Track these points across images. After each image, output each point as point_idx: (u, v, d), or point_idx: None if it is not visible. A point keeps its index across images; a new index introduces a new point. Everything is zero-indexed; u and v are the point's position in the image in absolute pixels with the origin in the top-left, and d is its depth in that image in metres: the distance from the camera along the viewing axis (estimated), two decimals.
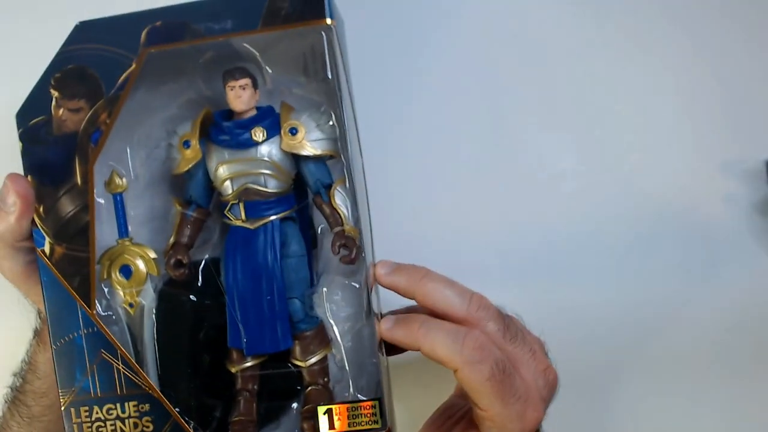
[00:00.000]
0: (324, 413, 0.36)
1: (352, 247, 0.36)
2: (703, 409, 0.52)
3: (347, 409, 0.36)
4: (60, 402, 0.37)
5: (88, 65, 0.36)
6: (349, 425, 0.36)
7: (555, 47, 0.53)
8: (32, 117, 0.37)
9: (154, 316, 0.38)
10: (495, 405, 0.34)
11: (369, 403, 0.36)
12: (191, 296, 0.38)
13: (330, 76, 0.35)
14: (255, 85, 0.37)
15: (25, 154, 0.37)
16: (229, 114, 0.37)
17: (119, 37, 0.36)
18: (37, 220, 0.37)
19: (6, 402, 0.43)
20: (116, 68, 0.36)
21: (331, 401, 0.36)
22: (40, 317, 0.43)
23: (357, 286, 0.37)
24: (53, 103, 0.37)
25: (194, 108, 0.38)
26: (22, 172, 0.37)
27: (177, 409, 0.37)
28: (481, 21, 0.53)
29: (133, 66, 0.36)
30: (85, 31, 0.36)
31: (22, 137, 0.37)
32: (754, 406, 0.52)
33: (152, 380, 0.37)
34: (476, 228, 0.53)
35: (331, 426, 0.36)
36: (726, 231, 0.53)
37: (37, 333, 0.43)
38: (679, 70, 0.53)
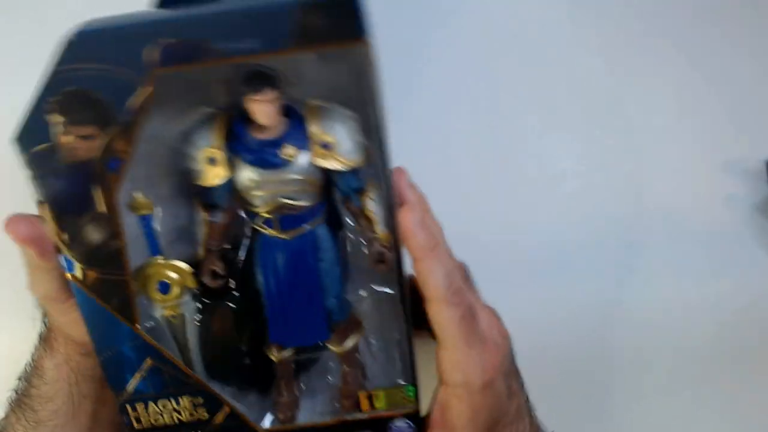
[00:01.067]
0: (363, 396, 0.38)
1: (388, 260, 0.36)
2: (703, 409, 0.52)
3: (384, 391, 0.38)
4: (115, 401, 0.38)
5: (91, 88, 0.33)
6: (387, 406, 0.38)
7: (555, 47, 0.53)
8: (34, 143, 0.34)
9: (196, 322, 0.39)
10: (460, 346, 0.36)
11: (404, 386, 0.38)
12: (229, 303, 0.40)
13: (366, 99, 0.33)
14: (278, 87, 0.33)
15: (39, 184, 0.35)
16: (250, 123, 0.35)
17: (122, 54, 0.32)
18: (62, 246, 0.35)
19: (11, 405, 0.43)
20: (123, 91, 0.33)
21: (367, 384, 0.39)
22: (45, 322, 0.43)
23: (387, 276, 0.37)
24: (58, 129, 0.34)
25: (209, 116, 0.36)
26: (33, 199, 0.36)
27: (228, 398, 0.38)
28: (481, 21, 0.53)
29: (146, 88, 0.33)
30: (81, 48, 0.33)
31: (29, 166, 0.34)
32: (755, 406, 0.53)
33: (202, 378, 0.38)
34: (476, 228, 0.53)
35: (371, 407, 0.38)
36: (726, 231, 0.53)
37: (42, 338, 0.43)
38: (679, 70, 0.53)
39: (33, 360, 0.42)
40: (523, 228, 0.53)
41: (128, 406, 0.38)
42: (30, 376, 0.42)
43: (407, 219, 0.35)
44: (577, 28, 0.53)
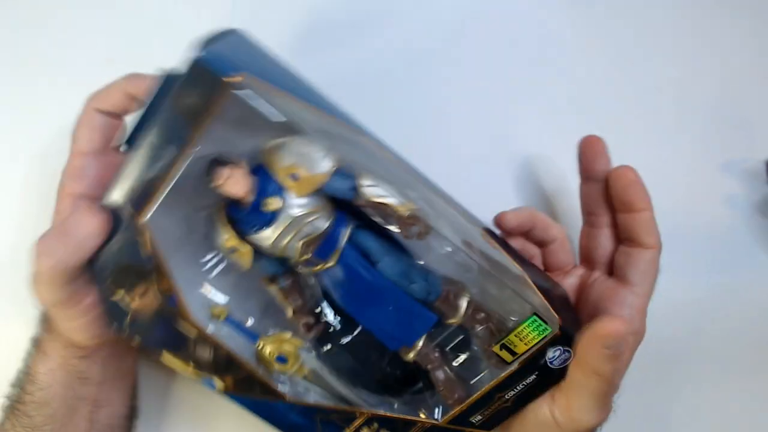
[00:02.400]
0: (500, 348, 0.38)
1: (417, 224, 0.37)
2: (703, 409, 0.52)
3: (516, 335, 0.38)
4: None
5: (121, 259, 0.37)
6: (526, 345, 0.37)
7: (555, 47, 0.53)
8: (121, 321, 0.39)
9: (327, 370, 0.41)
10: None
11: (528, 322, 0.37)
12: (341, 341, 0.41)
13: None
14: (237, 163, 0.36)
15: (144, 348, 0.40)
16: (236, 202, 0.37)
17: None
18: (197, 374, 0.40)
19: (5, 413, 0.42)
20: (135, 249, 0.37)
21: (499, 333, 0.38)
22: (41, 324, 0.42)
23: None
24: (125, 300, 0.38)
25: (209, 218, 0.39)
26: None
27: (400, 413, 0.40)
28: (481, 21, 0.53)
29: (147, 236, 0.37)
30: None
31: (134, 341, 0.39)
32: (755, 406, 0.53)
33: (366, 407, 0.40)
34: None
35: (513, 354, 0.38)
36: (726, 231, 0.53)
37: (36, 342, 0.42)
38: (679, 70, 0.53)
39: (25, 366, 0.42)
40: None
41: None
42: (23, 383, 0.41)
43: (632, 173, 0.42)
44: (577, 28, 0.53)
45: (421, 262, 0.39)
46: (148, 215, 0.36)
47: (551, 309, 0.37)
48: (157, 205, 0.36)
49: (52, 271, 0.35)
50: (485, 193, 0.53)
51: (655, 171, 0.53)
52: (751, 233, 0.53)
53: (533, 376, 0.38)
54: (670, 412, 0.52)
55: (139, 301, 0.38)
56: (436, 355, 0.40)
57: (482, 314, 0.39)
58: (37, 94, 0.50)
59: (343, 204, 0.38)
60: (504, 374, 0.38)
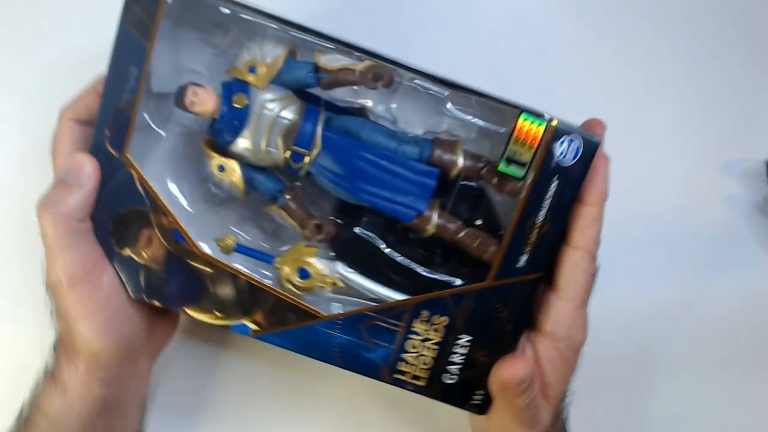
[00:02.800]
0: (507, 165, 0.37)
1: (378, 72, 0.37)
2: (703, 409, 0.52)
3: (515, 142, 0.36)
4: None
5: (120, 208, 0.38)
6: (530, 148, 0.36)
7: (554, 47, 0.54)
8: (136, 281, 0.38)
9: (353, 271, 0.40)
10: (579, 303, 0.38)
11: (521, 121, 0.36)
12: (354, 230, 0.40)
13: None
14: (199, 84, 0.38)
15: (166, 308, 0.39)
16: (214, 132, 0.38)
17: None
18: (225, 322, 0.39)
19: None
20: (134, 192, 0.37)
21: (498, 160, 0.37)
22: (56, 351, 0.39)
23: (420, 89, 0.38)
24: (134, 254, 0.38)
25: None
26: None
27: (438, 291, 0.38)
28: (481, 20, 0.54)
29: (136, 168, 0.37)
30: None
31: (154, 300, 0.39)
32: (755, 406, 0.52)
33: (403, 297, 0.38)
34: None
35: (521, 165, 0.36)
36: (726, 231, 0.52)
37: (50, 374, 0.39)
38: (679, 70, 0.54)
39: (34, 399, 0.39)
40: None
41: (398, 375, 0.39)
42: (32, 417, 0.39)
43: (603, 163, 0.37)
44: (576, 28, 0.54)
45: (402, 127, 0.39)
46: (130, 145, 0.37)
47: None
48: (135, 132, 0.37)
49: (62, 220, 0.36)
50: None
51: (655, 171, 0.53)
52: (751, 233, 0.52)
53: (554, 183, 0.36)
54: (671, 412, 0.52)
55: (147, 253, 0.38)
56: (457, 223, 0.38)
57: (483, 157, 0.38)
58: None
59: (311, 99, 0.39)
60: (524, 194, 0.36)
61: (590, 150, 0.36)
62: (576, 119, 0.52)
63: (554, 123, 0.36)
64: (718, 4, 0.54)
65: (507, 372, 0.36)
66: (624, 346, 0.52)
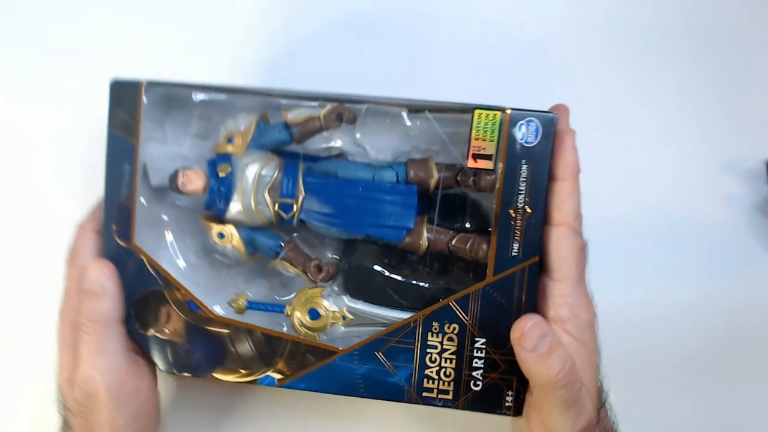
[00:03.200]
0: (474, 160, 0.39)
1: (341, 111, 0.40)
2: (703, 409, 0.52)
3: (476, 138, 0.38)
4: None
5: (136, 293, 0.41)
6: (492, 140, 0.38)
7: (554, 47, 0.53)
8: (164, 360, 0.41)
9: (357, 300, 0.42)
10: (574, 280, 0.38)
11: (476, 120, 0.38)
12: (352, 262, 0.42)
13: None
14: (188, 167, 0.41)
15: (196, 377, 0.41)
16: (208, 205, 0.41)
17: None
18: (251, 378, 0.41)
19: None
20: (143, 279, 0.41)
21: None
22: (66, 415, 0.40)
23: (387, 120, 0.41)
24: (158, 332, 0.41)
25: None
26: None
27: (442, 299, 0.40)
28: (481, 20, 0.53)
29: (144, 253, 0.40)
30: None
31: (177, 373, 0.42)
32: (755, 406, 0.52)
33: (406, 317, 0.40)
34: None
35: (488, 158, 0.38)
36: (726, 231, 0.52)
37: None
38: (679, 70, 0.53)
39: None
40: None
41: (425, 394, 0.40)
42: None
43: (569, 137, 0.37)
44: (576, 28, 0.53)
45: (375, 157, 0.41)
46: (136, 234, 0.40)
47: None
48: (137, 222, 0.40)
49: (98, 325, 0.38)
50: None
51: (656, 171, 0.53)
52: (751, 233, 0.52)
53: (524, 167, 0.38)
54: (670, 412, 0.52)
55: (168, 329, 0.41)
56: (447, 233, 0.40)
57: (455, 165, 0.40)
58: None
59: (289, 156, 0.41)
60: (499, 184, 0.38)
61: (549, 125, 0.38)
62: (576, 119, 0.53)
63: (508, 111, 0.37)
64: (718, 4, 0.53)
65: (514, 332, 0.36)
66: (623, 345, 0.52)
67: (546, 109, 0.38)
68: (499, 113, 0.37)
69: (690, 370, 0.52)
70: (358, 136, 0.41)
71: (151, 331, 0.41)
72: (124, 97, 0.39)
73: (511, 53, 0.53)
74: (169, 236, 0.43)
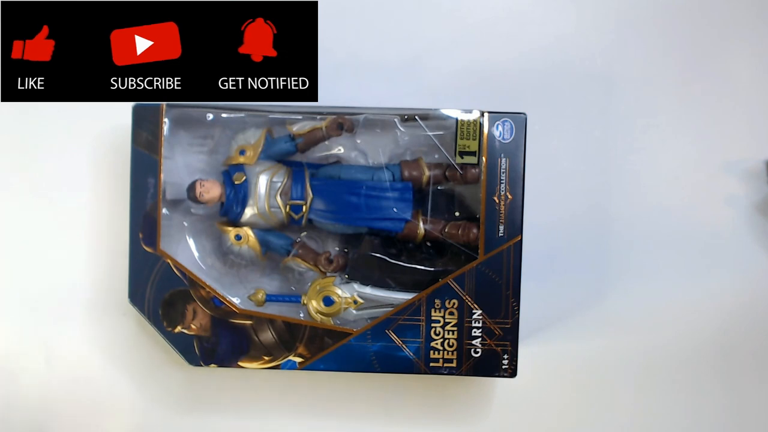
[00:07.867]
0: (461, 157, 0.45)
1: (341, 122, 0.46)
2: (702, 408, 0.52)
3: (462, 138, 0.45)
4: None
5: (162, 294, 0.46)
6: (474, 139, 0.45)
7: (554, 46, 0.53)
8: (192, 355, 0.46)
9: (365, 285, 0.47)
10: None
11: (459, 127, 0.45)
12: (359, 252, 0.47)
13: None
14: (204, 178, 0.46)
15: (223, 366, 0.47)
16: (225, 211, 0.46)
17: None
18: (275, 362, 0.46)
19: None
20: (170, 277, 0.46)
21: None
22: None
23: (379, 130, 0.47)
24: (183, 332, 0.46)
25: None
26: None
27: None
28: (481, 19, 0.54)
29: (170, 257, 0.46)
30: None
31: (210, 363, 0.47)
32: (754, 406, 0.52)
33: (410, 297, 0.45)
34: None
35: (473, 154, 0.45)
36: (726, 231, 0.52)
37: None
38: (678, 70, 0.53)
39: None
40: (523, 228, 0.53)
41: (432, 364, 0.45)
42: None
43: None
44: (576, 27, 0.53)
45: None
46: (161, 241, 0.45)
47: None
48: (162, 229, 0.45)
49: None
50: None
51: (656, 171, 0.53)
52: (751, 233, 0.52)
53: (503, 160, 0.44)
54: (669, 412, 0.53)
55: (195, 325, 0.46)
56: (440, 222, 0.46)
57: (443, 163, 0.46)
58: None
59: (295, 164, 0.47)
60: (483, 176, 0.44)
61: (521, 124, 0.44)
62: (576, 119, 0.53)
63: (486, 115, 0.44)
64: (718, 4, 0.52)
65: None
66: (623, 345, 0.53)
67: (518, 111, 0.44)
68: (478, 118, 0.44)
69: (689, 369, 0.52)
70: (358, 141, 0.47)
71: (179, 328, 0.46)
72: (147, 119, 0.45)
73: (511, 50, 0.54)
74: (190, 241, 0.48)
